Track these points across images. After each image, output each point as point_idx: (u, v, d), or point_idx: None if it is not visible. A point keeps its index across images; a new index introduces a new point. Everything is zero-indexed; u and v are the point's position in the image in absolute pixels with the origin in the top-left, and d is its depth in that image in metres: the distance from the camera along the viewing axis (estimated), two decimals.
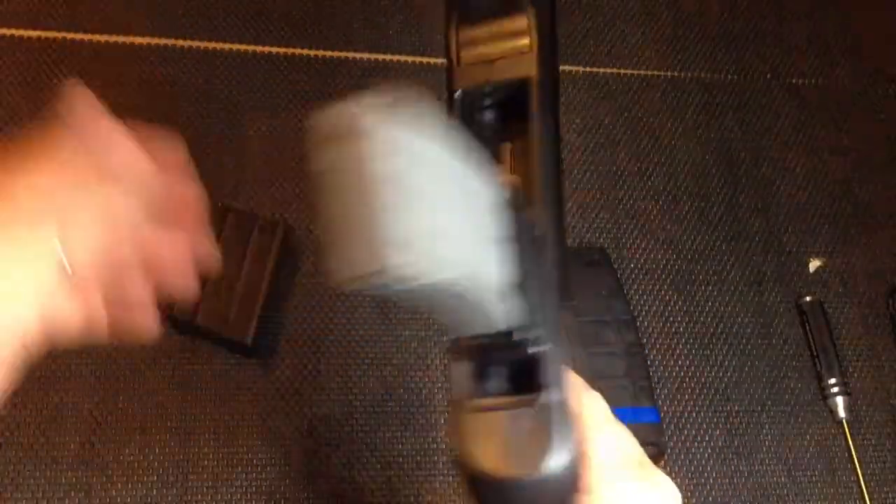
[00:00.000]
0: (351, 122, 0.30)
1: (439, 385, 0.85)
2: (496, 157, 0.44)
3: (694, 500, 0.85)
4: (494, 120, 0.45)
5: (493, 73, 0.43)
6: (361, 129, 0.30)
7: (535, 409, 0.38)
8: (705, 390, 0.90)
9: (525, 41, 0.43)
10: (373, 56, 0.99)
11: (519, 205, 0.38)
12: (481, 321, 0.37)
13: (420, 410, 0.84)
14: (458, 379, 0.40)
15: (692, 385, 0.90)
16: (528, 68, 0.42)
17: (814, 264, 0.99)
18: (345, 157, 0.30)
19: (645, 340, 0.90)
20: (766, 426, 0.90)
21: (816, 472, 0.89)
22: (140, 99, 0.92)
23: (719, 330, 0.93)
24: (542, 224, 0.40)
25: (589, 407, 0.41)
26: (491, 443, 0.38)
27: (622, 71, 1.06)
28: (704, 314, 0.94)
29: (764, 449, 0.89)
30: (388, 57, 1.00)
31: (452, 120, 0.43)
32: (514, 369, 0.40)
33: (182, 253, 0.49)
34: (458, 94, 0.43)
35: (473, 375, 0.40)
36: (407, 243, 0.29)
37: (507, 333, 0.38)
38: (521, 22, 0.43)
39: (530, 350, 0.38)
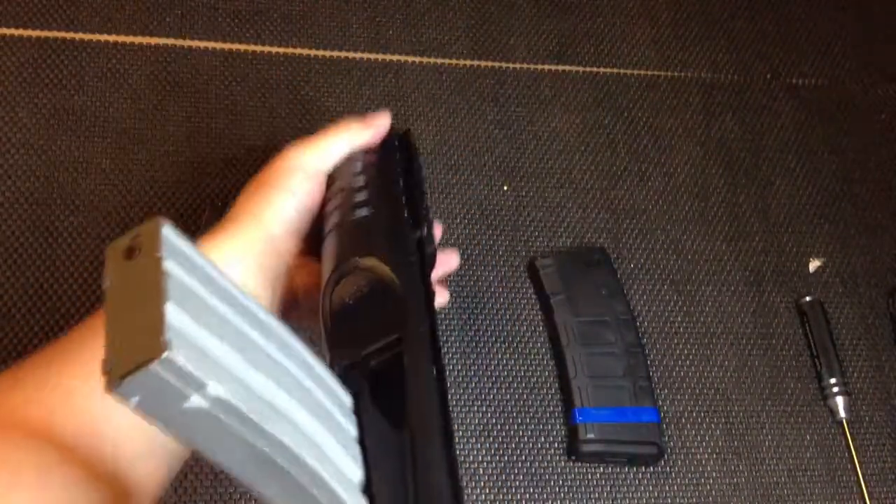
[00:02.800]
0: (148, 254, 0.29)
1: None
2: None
3: (694, 500, 0.85)
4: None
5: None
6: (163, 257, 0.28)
7: None
8: (705, 390, 0.90)
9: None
10: (373, 56, 0.99)
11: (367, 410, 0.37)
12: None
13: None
14: None
15: (692, 385, 0.90)
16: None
17: (814, 264, 0.99)
18: (134, 268, 0.28)
19: (645, 340, 0.90)
20: (766, 426, 0.90)
21: (816, 472, 0.89)
22: (140, 99, 0.92)
23: (719, 330, 0.93)
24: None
25: None
26: None
27: (622, 71, 1.06)
28: (704, 314, 0.94)
29: (764, 449, 0.89)
30: (388, 57, 1.00)
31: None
32: None
33: None
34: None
35: None
36: (204, 344, 0.27)
37: None
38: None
39: None
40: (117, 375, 0.25)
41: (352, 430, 0.36)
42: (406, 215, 0.53)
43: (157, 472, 0.45)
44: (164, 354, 0.25)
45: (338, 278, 0.47)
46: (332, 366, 0.42)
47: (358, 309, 0.45)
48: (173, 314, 0.27)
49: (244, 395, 0.28)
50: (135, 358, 0.25)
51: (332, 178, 0.58)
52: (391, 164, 0.58)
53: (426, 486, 0.36)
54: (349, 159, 0.58)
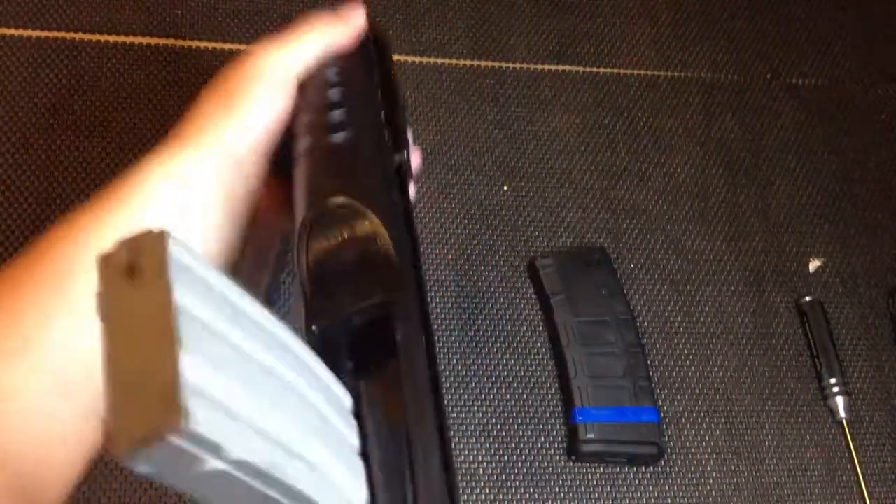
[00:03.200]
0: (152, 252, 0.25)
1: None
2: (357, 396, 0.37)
3: (694, 500, 0.85)
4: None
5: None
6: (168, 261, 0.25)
7: None
8: (705, 390, 0.90)
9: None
10: None
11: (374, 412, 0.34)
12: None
13: None
14: None
15: (692, 385, 0.90)
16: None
17: (814, 264, 0.99)
18: (138, 298, 0.24)
19: (645, 340, 0.90)
20: (766, 426, 0.90)
21: (816, 472, 0.89)
22: (140, 99, 0.92)
23: (719, 330, 0.93)
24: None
25: None
26: None
27: (622, 71, 1.06)
28: (704, 314, 0.94)
29: (764, 449, 0.89)
30: None
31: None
32: None
33: None
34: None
35: None
36: (217, 400, 0.24)
37: None
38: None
39: None
40: (126, 444, 0.22)
41: (353, 439, 0.34)
42: (386, 138, 0.47)
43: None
44: (183, 424, 0.22)
45: (311, 222, 0.41)
46: (309, 327, 0.37)
47: (338, 265, 0.40)
48: (190, 367, 0.23)
49: (262, 449, 0.26)
50: (147, 424, 0.22)
51: (302, 87, 0.49)
52: (369, 75, 0.51)
53: (424, 487, 0.34)
54: (321, 66, 0.50)
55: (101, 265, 0.25)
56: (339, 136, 0.45)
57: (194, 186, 0.46)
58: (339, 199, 0.41)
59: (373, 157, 0.45)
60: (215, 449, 0.23)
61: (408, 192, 0.45)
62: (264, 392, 0.27)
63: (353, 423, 0.34)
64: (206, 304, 0.25)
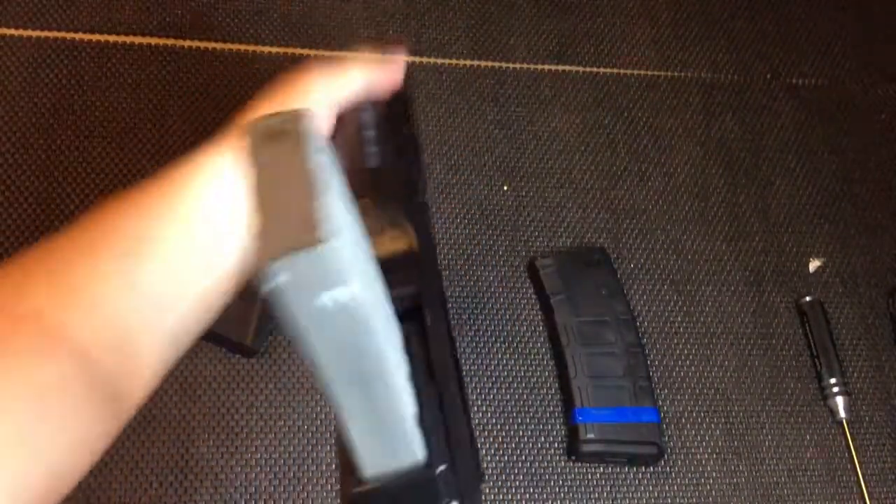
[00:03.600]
0: (287, 124, 0.30)
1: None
2: None
3: (694, 500, 0.85)
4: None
5: None
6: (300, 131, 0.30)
7: None
8: (705, 390, 0.90)
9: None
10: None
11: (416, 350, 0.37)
12: (385, 437, 0.32)
13: None
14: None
15: (692, 385, 0.90)
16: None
17: (814, 264, 0.99)
18: (283, 154, 0.30)
19: (645, 340, 0.90)
20: (766, 426, 0.90)
21: (816, 472, 0.89)
22: (140, 99, 0.92)
23: (719, 330, 0.93)
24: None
25: None
26: None
27: (622, 71, 1.06)
28: (704, 314, 0.94)
29: (764, 449, 0.89)
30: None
31: None
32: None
33: None
34: None
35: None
36: (341, 230, 0.28)
37: (427, 466, 0.34)
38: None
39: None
40: (273, 253, 0.26)
41: (405, 364, 0.36)
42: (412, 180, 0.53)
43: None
44: (322, 242, 0.26)
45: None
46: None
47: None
48: (330, 205, 0.28)
49: (372, 302, 0.29)
50: (294, 239, 0.26)
51: (339, 119, 0.54)
52: (399, 128, 0.57)
53: (455, 433, 0.36)
54: (357, 106, 0.55)
55: (250, 130, 0.31)
56: (372, 163, 0.51)
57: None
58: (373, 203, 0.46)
59: (402, 181, 0.51)
60: (342, 276, 0.27)
61: (430, 229, 0.50)
62: (368, 260, 0.31)
63: (404, 355, 0.36)
64: (331, 175, 0.30)
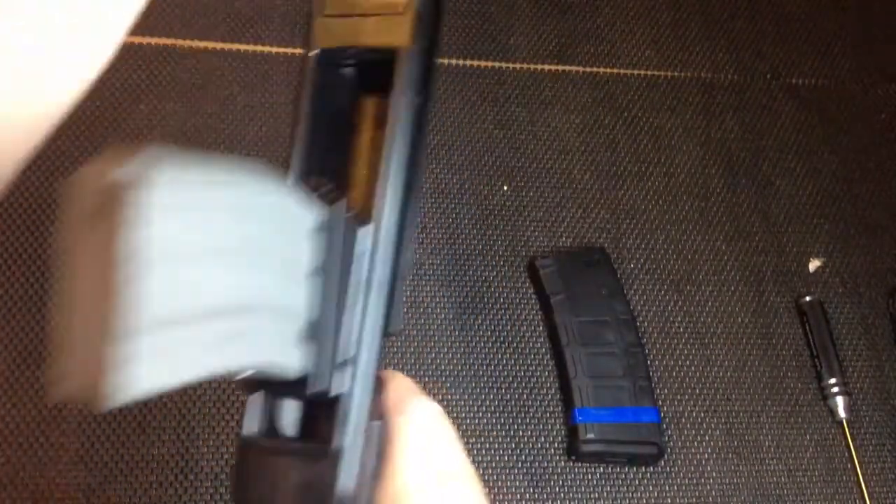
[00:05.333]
0: (111, 183, 0.24)
1: (439, 385, 0.86)
2: (355, 113, 0.39)
3: (694, 500, 0.85)
4: (357, 75, 0.40)
5: (359, 35, 0.37)
6: (124, 191, 0.24)
7: (324, 460, 0.34)
8: (705, 390, 0.90)
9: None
10: None
11: (336, 225, 0.33)
12: (273, 361, 0.32)
13: None
14: (250, 414, 0.36)
15: (692, 385, 0.90)
16: (399, 35, 0.36)
17: (814, 264, 0.99)
18: (99, 230, 0.24)
19: (645, 340, 0.90)
20: (766, 426, 0.90)
21: (816, 472, 0.89)
22: (140, 99, 0.92)
23: (719, 330, 0.93)
24: (375, 234, 0.35)
25: (403, 429, 0.37)
26: (274, 489, 0.35)
27: (622, 71, 1.06)
28: (704, 314, 0.94)
29: (764, 449, 0.89)
30: None
31: (308, 79, 0.38)
32: (311, 409, 0.36)
33: None
34: (315, 52, 0.38)
35: (266, 412, 0.36)
36: (153, 329, 0.24)
37: (302, 381, 0.33)
38: None
39: (330, 396, 0.34)
40: (58, 390, 0.23)
41: (304, 259, 0.33)
42: None
43: None
44: (115, 398, 0.23)
45: None
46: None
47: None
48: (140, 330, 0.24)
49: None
50: (84, 384, 0.23)
51: None
52: None
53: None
54: None
55: (72, 189, 0.25)
56: None
57: None
58: None
59: None
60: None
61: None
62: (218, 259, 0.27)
63: (311, 242, 0.33)
64: (177, 218, 0.25)
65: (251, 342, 0.29)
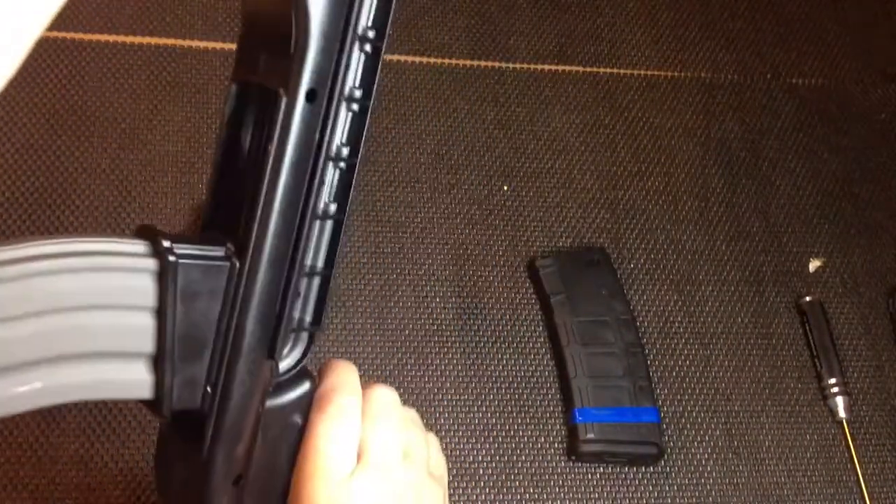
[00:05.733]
0: None
1: (439, 385, 0.85)
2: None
3: (694, 500, 0.85)
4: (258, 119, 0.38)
5: (258, 73, 0.36)
6: None
7: (198, 460, 0.38)
8: (705, 390, 0.90)
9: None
10: None
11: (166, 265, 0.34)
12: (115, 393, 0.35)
13: (418, 409, 0.83)
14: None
15: (692, 385, 0.90)
16: (280, 79, 0.34)
17: (814, 264, 0.99)
18: None
19: (645, 340, 0.90)
20: (766, 426, 0.90)
21: (816, 472, 0.89)
22: (140, 99, 0.92)
23: (719, 330, 0.93)
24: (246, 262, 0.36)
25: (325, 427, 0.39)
26: (168, 481, 0.40)
27: (622, 71, 1.06)
28: (704, 314, 0.94)
29: (764, 449, 0.89)
30: (388, 57, 1.00)
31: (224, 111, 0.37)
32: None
33: None
34: (232, 87, 0.38)
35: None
36: None
37: (156, 403, 0.36)
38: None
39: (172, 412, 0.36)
40: None
41: (147, 298, 0.34)
42: None
43: None
44: None
45: None
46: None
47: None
48: None
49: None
50: None
51: None
52: None
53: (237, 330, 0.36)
54: None
55: None
56: None
57: None
58: None
59: None
60: None
61: None
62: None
63: (154, 284, 0.34)
64: None
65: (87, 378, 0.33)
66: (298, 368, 0.40)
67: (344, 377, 0.41)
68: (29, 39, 0.33)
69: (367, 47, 0.36)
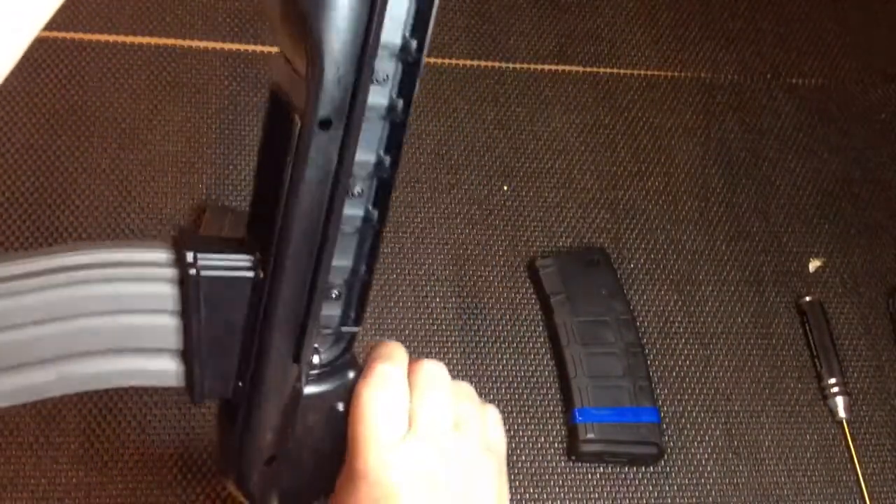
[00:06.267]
0: None
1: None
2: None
3: (694, 500, 0.85)
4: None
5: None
6: None
7: (233, 441, 0.42)
8: (705, 390, 0.90)
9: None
10: None
11: (186, 267, 0.36)
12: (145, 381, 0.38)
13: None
14: None
15: (692, 385, 0.90)
16: (298, 96, 0.35)
17: (814, 264, 0.99)
18: None
19: (645, 340, 0.90)
20: (766, 426, 0.90)
21: (816, 472, 0.89)
22: (140, 99, 0.92)
23: (719, 330, 0.93)
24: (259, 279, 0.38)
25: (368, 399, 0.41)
26: (219, 448, 0.44)
27: (622, 71, 1.06)
28: (704, 314, 0.94)
29: (764, 449, 0.89)
30: None
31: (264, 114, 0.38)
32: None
33: None
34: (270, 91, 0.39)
35: None
36: None
37: (189, 391, 0.39)
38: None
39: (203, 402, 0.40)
40: None
41: (167, 304, 0.37)
42: None
43: None
44: None
45: None
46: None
47: None
48: None
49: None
50: None
51: None
52: None
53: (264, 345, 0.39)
54: None
55: None
56: None
57: None
58: None
59: None
60: None
61: None
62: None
63: (167, 286, 0.37)
64: None
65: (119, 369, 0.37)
66: (340, 361, 0.42)
67: (389, 350, 0.43)
68: (30, 32, 0.34)
69: (407, 59, 0.36)
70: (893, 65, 1.13)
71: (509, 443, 0.84)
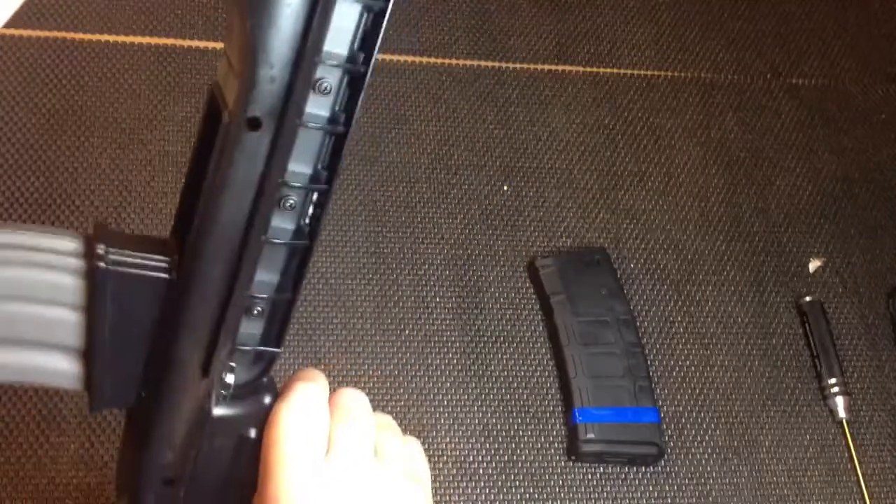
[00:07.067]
0: None
1: (439, 385, 0.85)
2: None
3: (694, 500, 0.85)
4: None
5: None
6: None
7: (132, 456, 0.39)
8: (705, 390, 0.90)
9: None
10: None
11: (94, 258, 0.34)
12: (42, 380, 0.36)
13: (418, 409, 0.84)
14: None
15: (692, 385, 0.90)
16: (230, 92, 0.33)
17: (814, 264, 0.99)
18: None
19: (645, 340, 0.90)
20: (766, 426, 0.90)
21: (816, 472, 0.89)
22: (140, 99, 0.92)
23: (719, 330, 0.93)
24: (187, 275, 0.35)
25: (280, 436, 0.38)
26: (119, 462, 0.41)
27: (622, 71, 1.06)
28: (704, 314, 0.94)
29: (764, 449, 0.89)
30: (388, 57, 1.00)
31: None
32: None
33: None
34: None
35: None
36: None
37: (89, 395, 0.36)
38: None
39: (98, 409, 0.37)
40: None
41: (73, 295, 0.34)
42: None
43: None
44: None
45: None
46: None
47: None
48: None
49: None
50: None
51: None
52: None
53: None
54: None
55: None
56: None
57: None
58: None
59: None
60: None
61: None
62: None
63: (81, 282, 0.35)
64: None
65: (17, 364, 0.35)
66: (256, 384, 0.39)
67: (308, 374, 0.41)
68: None
69: (353, 71, 0.34)
70: (893, 65, 1.13)
71: (509, 443, 0.84)
